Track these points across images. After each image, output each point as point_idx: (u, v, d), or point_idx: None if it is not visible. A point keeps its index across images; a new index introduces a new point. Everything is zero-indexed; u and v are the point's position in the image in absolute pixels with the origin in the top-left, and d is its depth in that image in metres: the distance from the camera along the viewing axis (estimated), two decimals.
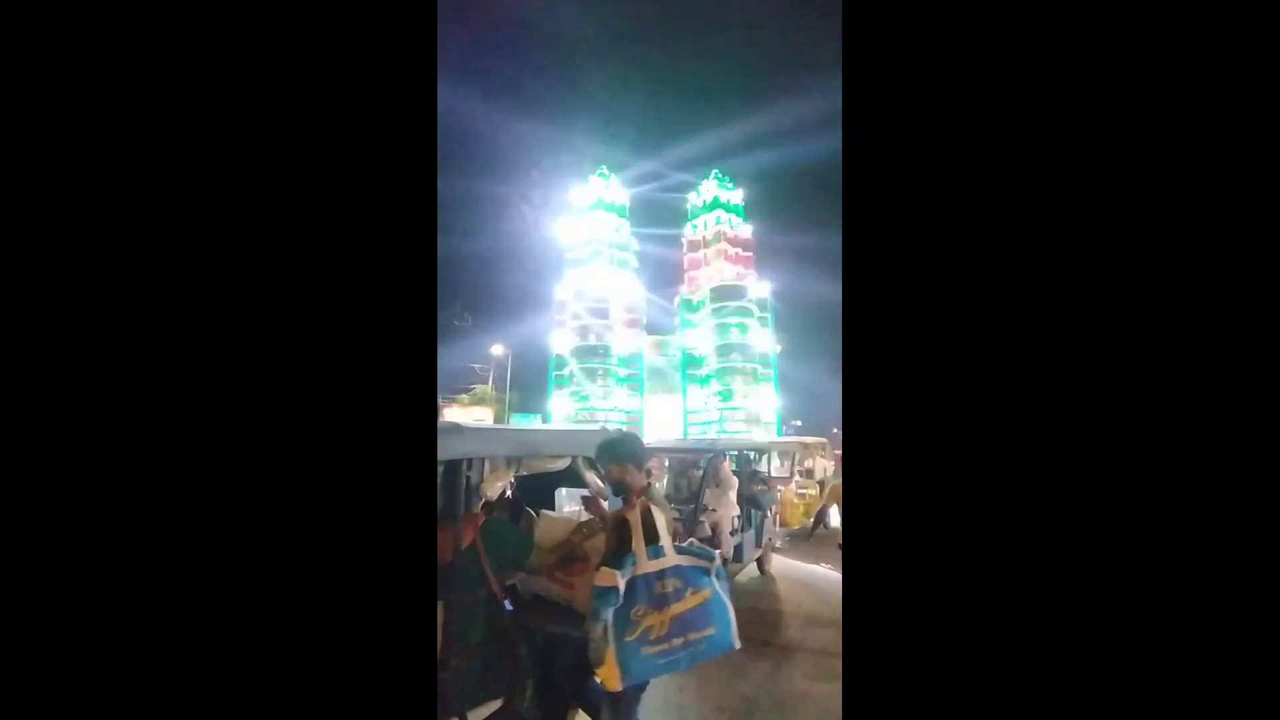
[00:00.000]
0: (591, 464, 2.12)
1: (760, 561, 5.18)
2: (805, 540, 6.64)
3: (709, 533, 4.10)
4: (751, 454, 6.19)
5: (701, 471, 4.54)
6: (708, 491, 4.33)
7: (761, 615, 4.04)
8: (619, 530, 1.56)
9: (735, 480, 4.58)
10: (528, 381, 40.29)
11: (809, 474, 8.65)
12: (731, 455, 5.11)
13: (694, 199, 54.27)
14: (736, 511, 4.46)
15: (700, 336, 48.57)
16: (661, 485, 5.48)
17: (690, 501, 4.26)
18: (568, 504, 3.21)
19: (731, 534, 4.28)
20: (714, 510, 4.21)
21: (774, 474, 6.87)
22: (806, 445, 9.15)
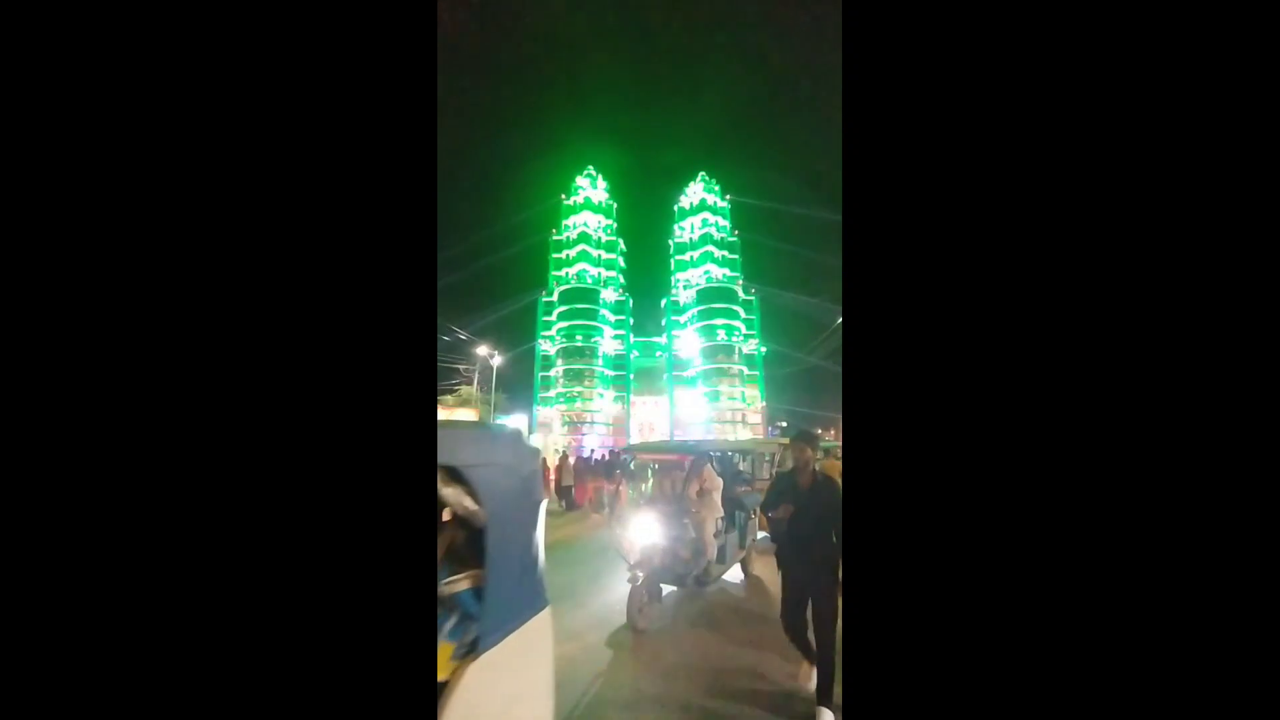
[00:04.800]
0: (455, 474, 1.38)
1: (744, 563, 5.14)
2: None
3: (692, 534, 4.04)
4: (735, 455, 6.15)
5: (685, 473, 4.49)
6: (691, 493, 4.28)
7: (746, 616, 4.00)
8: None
9: (719, 481, 4.53)
10: (514, 383, 40.02)
11: None
12: (715, 456, 5.06)
13: (681, 201, 54.51)
14: (720, 513, 4.41)
15: (687, 338, 48.72)
16: (646, 487, 5.41)
17: (674, 503, 4.20)
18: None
19: (715, 536, 4.23)
20: (697, 512, 4.15)
21: (756, 475, 6.84)
22: (785, 446, 9.16)
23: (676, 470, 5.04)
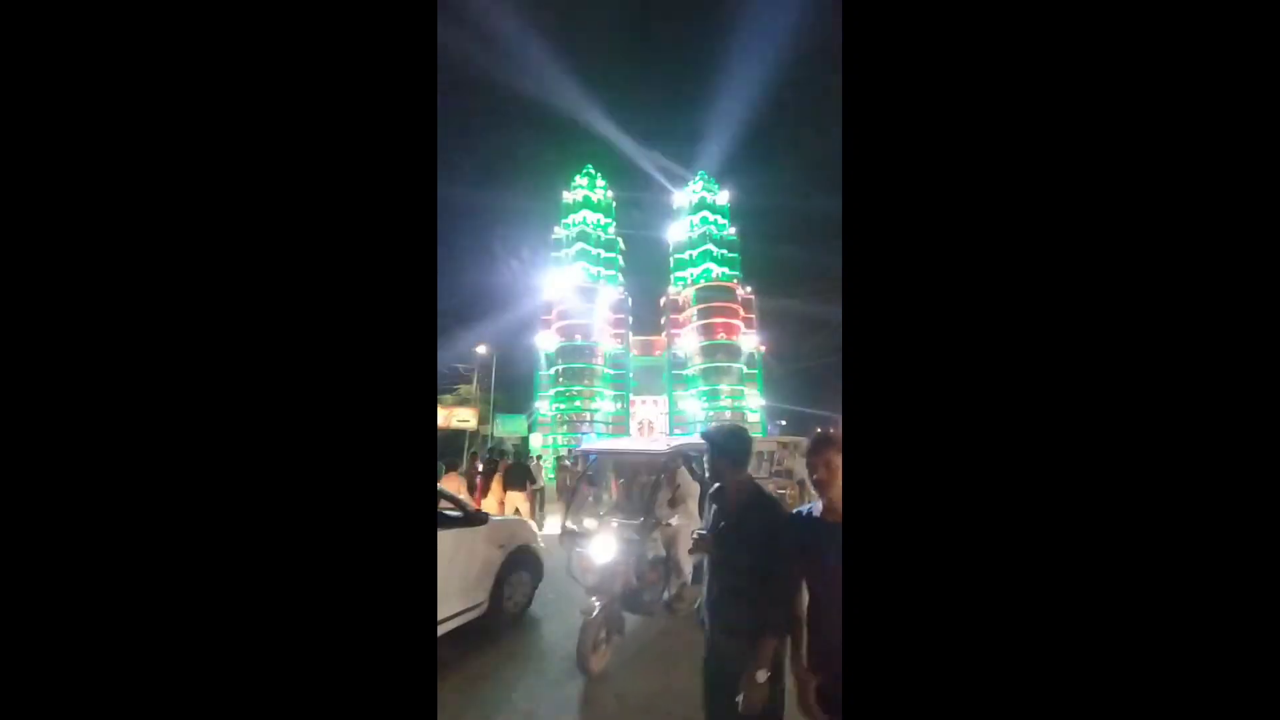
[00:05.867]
0: None
1: None
2: None
3: (662, 552, 3.59)
4: None
5: (654, 479, 3.96)
6: (663, 502, 3.81)
7: None
8: None
9: (696, 487, 4.03)
10: (513, 382, 39.61)
11: (789, 474, 8.49)
12: (694, 457, 4.50)
13: (680, 199, 53.98)
14: (699, 525, 3.95)
15: (686, 336, 48.24)
16: (612, 496, 4.90)
17: (642, 514, 3.59)
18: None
19: (690, 552, 3.74)
20: (669, 524, 3.69)
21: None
22: (784, 445, 8.91)
23: (646, 474, 4.37)
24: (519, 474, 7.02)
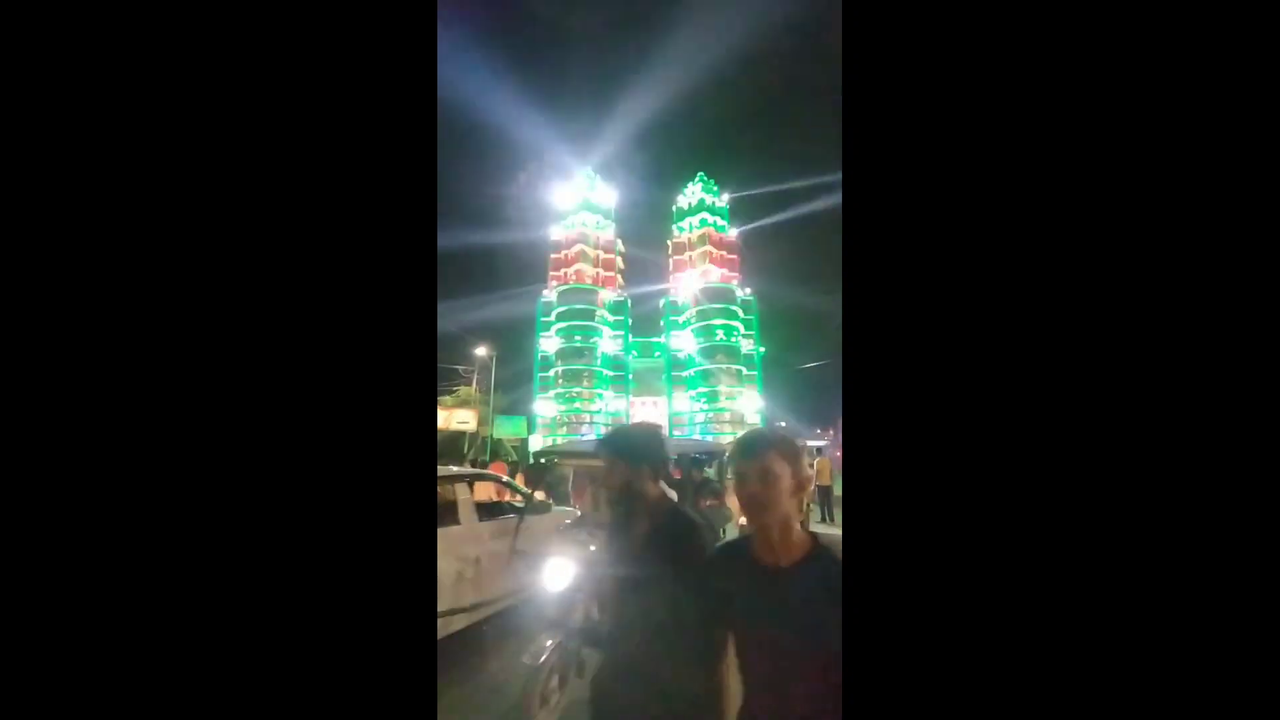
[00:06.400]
0: None
1: None
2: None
3: None
4: (702, 457, 4.72)
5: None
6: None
7: None
8: None
9: (673, 495, 3.98)
10: (513, 383, 39.79)
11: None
12: (680, 458, 3.82)
13: (680, 201, 54.18)
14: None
15: (685, 338, 48.42)
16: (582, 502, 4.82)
17: (606, 529, 3.22)
18: None
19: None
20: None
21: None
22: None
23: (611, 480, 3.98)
24: (540, 472, 7.51)
